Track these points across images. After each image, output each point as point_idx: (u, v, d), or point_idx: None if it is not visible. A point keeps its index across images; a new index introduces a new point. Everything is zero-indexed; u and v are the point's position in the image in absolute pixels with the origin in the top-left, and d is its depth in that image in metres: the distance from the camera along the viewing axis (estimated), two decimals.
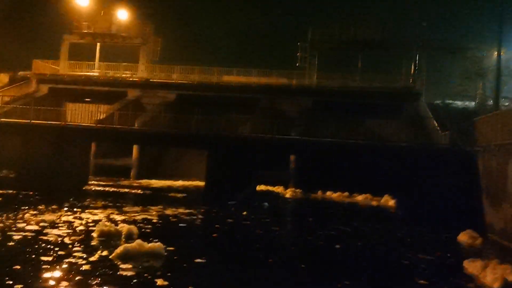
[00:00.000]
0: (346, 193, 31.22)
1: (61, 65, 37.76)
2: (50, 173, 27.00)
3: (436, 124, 27.64)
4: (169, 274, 9.36)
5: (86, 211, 18.18)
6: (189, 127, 29.55)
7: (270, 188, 32.32)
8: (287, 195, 30.61)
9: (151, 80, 36.64)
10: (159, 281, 8.83)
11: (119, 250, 10.35)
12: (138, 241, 10.64)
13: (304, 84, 36.16)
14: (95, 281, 8.46)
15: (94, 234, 13.03)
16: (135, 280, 8.86)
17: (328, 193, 31.49)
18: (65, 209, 18.43)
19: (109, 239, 12.56)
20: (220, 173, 28.54)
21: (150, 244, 10.65)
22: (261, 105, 35.02)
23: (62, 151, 27.94)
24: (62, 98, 35.85)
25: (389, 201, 28.52)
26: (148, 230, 14.52)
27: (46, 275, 8.82)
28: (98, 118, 30.89)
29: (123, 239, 12.41)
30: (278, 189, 32.17)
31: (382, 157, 27.96)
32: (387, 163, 28.14)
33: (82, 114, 30.95)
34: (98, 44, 38.38)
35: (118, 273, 9.31)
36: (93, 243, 12.02)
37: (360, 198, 30.32)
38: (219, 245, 13.77)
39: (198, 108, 33.36)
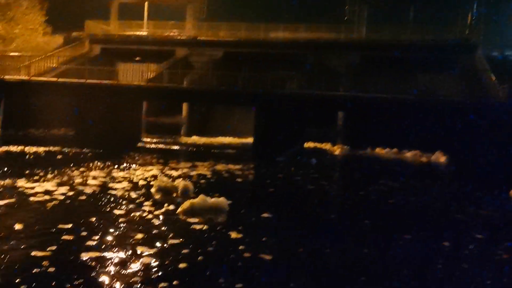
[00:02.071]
0: (395, 150, 30.79)
1: (112, 25, 38.50)
2: (106, 131, 28.14)
3: (494, 78, 26.46)
4: (239, 227, 9.57)
5: (141, 167, 18.92)
6: (237, 84, 29.73)
7: (317, 145, 32.32)
8: (335, 152, 30.57)
9: (198, 38, 36.80)
10: (233, 234, 9.07)
11: (185, 205, 10.65)
12: (201, 196, 10.91)
13: (352, 38, 35.25)
14: (170, 234, 8.80)
15: (153, 189, 13.42)
16: (212, 234, 9.14)
17: (377, 149, 31.17)
18: (122, 165, 19.26)
19: (167, 194, 12.95)
20: (267, 130, 28.76)
21: (213, 199, 10.90)
22: (308, 61, 34.58)
23: (116, 110, 28.94)
24: (113, 57, 36.74)
25: (440, 158, 27.95)
26: (203, 185, 14.94)
27: (120, 227, 9.31)
28: (148, 77, 31.64)
29: (180, 195, 12.80)
30: (326, 146, 32.13)
31: (434, 113, 27.23)
32: (439, 119, 27.40)
33: (133, 73, 31.75)
34: (146, 3, 38.69)
35: (190, 227, 9.62)
36: (155, 198, 12.53)
37: (409, 154, 29.84)
38: (279, 200, 13.96)
39: (245, 65, 33.34)
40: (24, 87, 28.74)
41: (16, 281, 5.98)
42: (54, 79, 29.86)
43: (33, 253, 7.12)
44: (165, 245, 8.10)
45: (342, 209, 12.96)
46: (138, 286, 6.01)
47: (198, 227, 9.60)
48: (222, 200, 10.87)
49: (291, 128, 28.88)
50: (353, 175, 21.52)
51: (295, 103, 28.23)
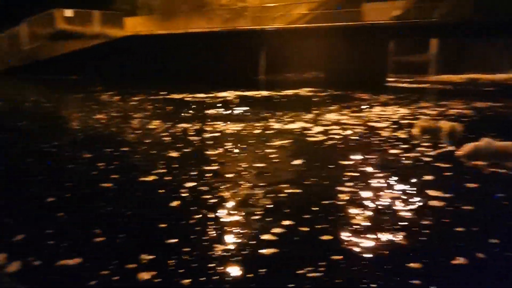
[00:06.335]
0: None
1: None
2: (353, 71, 28.71)
3: None
4: None
5: (393, 106, 18.67)
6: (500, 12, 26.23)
7: None
8: None
9: None
10: None
11: (467, 147, 9.99)
12: (486, 139, 9.99)
13: None
14: (463, 177, 8.26)
15: (415, 130, 12.91)
16: None
17: None
18: (375, 104, 19.39)
19: (431, 135, 12.30)
20: None
21: (500, 143, 9.94)
22: None
23: (362, 50, 29.09)
24: None
25: None
26: (468, 126, 13.72)
27: (401, 167, 9.23)
28: (394, 15, 30.63)
29: (446, 136, 12.14)
30: None
31: None
32: None
33: (379, 13, 31.15)
34: None
35: (483, 171, 8.88)
36: (422, 138, 12.15)
37: None
38: None
39: None
40: (281, 35, 31.19)
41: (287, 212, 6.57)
42: (305, 25, 31.52)
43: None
44: (459, 189, 7.60)
45: None
46: (428, 230, 5.98)
47: (495, 171, 8.67)
48: (511, 144, 9.80)
49: None
50: None
51: None
